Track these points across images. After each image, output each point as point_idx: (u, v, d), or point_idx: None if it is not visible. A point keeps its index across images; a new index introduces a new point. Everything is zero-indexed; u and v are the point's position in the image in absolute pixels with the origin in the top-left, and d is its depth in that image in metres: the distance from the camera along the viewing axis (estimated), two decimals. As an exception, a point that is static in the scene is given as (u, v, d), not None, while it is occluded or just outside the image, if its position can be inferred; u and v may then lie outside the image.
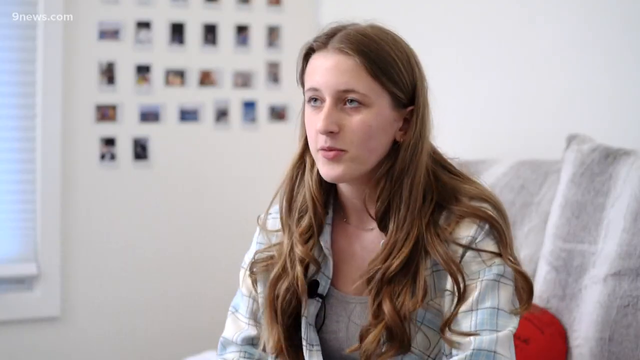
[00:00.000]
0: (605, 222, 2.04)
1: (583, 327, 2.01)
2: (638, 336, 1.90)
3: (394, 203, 1.47)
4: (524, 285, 1.47)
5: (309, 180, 1.53)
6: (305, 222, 1.53)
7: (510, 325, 1.43)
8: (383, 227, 1.49)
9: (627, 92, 2.39)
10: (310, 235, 1.53)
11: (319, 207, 1.53)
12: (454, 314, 1.43)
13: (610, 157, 2.12)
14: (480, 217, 1.45)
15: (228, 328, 1.65)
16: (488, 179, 2.35)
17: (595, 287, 2.01)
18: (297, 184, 1.56)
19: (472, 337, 1.40)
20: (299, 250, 1.51)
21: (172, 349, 3.29)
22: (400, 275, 1.44)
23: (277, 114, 3.53)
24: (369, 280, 1.47)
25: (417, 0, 3.09)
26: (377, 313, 1.45)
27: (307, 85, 1.49)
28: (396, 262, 1.44)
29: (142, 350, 3.34)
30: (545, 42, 2.64)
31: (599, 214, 2.07)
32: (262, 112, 3.51)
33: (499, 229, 1.46)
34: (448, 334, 1.43)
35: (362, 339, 1.46)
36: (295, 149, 1.57)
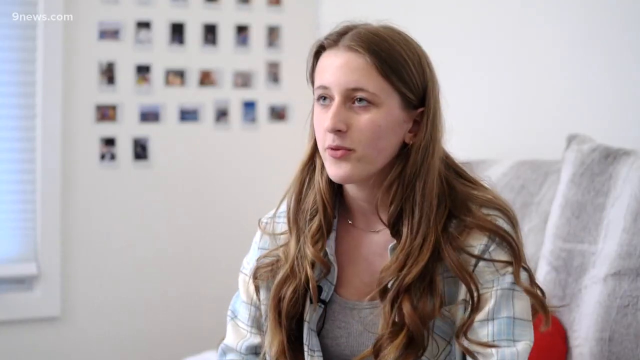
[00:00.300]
0: (605, 222, 2.04)
1: (583, 327, 2.01)
2: (638, 336, 1.90)
3: (407, 207, 1.44)
4: (537, 303, 1.46)
5: (319, 181, 1.51)
6: (315, 223, 1.51)
7: (527, 337, 1.43)
8: (395, 232, 1.46)
9: (627, 92, 2.39)
10: (319, 237, 1.50)
11: (329, 209, 1.50)
12: (469, 322, 1.42)
13: (610, 157, 2.12)
14: (491, 230, 1.44)
15: (229, 335, 1.62)
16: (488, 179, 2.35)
17: (595, 287, 2.01)
18: (306, 185, 1.53)
19: (493, 350, 1.40)
20: (309, 251, 1.49)
21: (172, 349, 3.29)
22: (417, 282, 1.43)
23: (277, 114, 3.53)
24: (383, 289, 1.45)
25: (417, 0, 3.10)
26: (396, 321, 1.43)
27: (316, 83, 1.47)
28: (414, 271, 1.42)
29: (142, 350, 3.34)
30: (545, 42, 2.64)
31: (599, 214, 2.07)
32: (262, 112, 3.51)
33: (510, 242, 1.45)
34: (466, 343, 1.42)
35: (379, 348, 1.44)
36: (305, 149, 1.54)
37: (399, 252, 1.44)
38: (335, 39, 1.46)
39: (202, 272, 3.42)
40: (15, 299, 3.15)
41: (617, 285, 1.96)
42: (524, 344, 1.42)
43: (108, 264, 3.29)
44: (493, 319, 1.42)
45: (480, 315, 1.42)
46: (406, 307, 1.42)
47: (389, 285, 1.44)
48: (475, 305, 1.42)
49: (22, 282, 3.16)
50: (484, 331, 1.42)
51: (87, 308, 3.26)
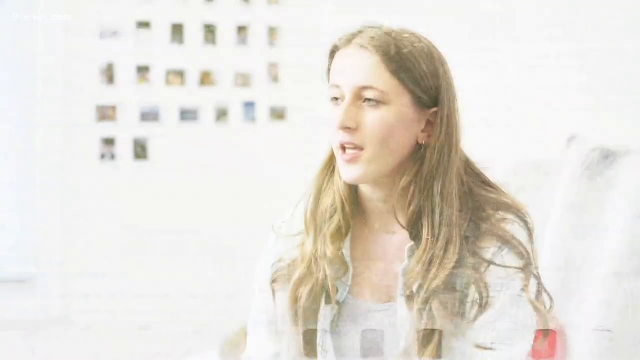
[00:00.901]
0: (605, 222, 2.05)
1: (583, 327, 2.01)
2: (638, 336, 1.90)
3: (426, 208, 1.43)
4: (539, 319, 1.44)
5: (338, 181, 1.50)
6: (334, 223, 1.50)
7: (527, 341, 1.42)
8: (414, 234, 1.45)
9: (627, 93, 2.39)
10: (338, 237, 1.50)
11: (348, 209, 1.50)
12: (470, 323, 1.42)
13: (610, 157, 2.12)
14: (504, 239, 1.43)
15: (249, 347, 1.60)
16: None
17: (596, 287, 2.01)
18: (325, 184, 1.53)
19: (488, 352, 1.40)
20: (329, 251, 1.48)
21: (172, 349, 3.29)
22: (444, 284, 1.42)
23: (277, 114, 3.53)
24: (409, 293, 1.44)
25: (417, 1, 3.10)
26: (426, 326, 1.42)
27: (330, 83, 1.48)
28: (442, 275, 1.41)
29: (142, 351, 3.34)
30: (546, 42, 2.64)
31: (599, 214, 2.07)
32: (262, 112, 3.51)
33: (522, 253, 1.44)
34: (463, 344, 1.42)
35: (408, 354, 1.43)
36: (326, 150, 1.53)
37: (422, 254, 1.43)
38: (349, 39, 1.46)
39: (203, 272, 3.42)
40: (15, 299, 3.15)
41: (618, 285, 1.96)
42: (522, 348, 1.42)
43: (108, 264, 3.29)
44: (494, 322, 1.42)
45: (483, 318, 1.43)
46: (436, 309, 1.41)
47: (415, 289, 1.43)
48: (481, 308, 1.42)
49: (22, 282, 3.16)
50: (483, 334, 1.42)
51: (87, 308, 3.26)
